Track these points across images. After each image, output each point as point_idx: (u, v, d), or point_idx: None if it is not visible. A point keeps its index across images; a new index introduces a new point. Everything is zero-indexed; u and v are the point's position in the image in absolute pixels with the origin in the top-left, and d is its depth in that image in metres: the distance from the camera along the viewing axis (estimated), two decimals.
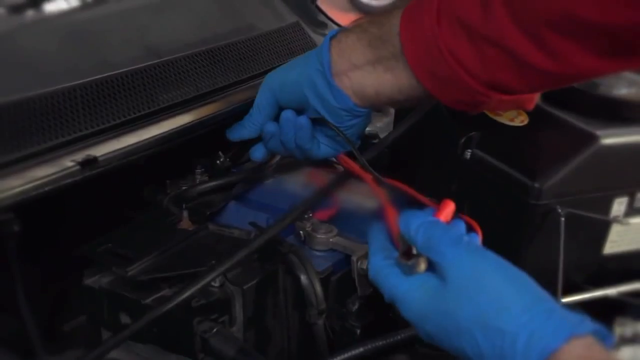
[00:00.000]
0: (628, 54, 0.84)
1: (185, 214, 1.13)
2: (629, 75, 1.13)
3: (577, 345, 0.70)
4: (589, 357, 0.70)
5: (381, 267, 0.86)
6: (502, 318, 0.73)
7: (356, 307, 1.08)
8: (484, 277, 0.77)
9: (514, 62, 0.89)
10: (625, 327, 1.02)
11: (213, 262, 1.00)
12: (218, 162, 1.22)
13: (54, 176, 0.97)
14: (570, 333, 0.70)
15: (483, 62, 0.90)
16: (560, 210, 0.96)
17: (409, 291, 0.82)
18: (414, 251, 0.82)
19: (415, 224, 0.83)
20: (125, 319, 1.00)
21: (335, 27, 1.71)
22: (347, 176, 1.13)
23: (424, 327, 0.80)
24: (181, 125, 1.14)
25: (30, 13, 1.25)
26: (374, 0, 7.01)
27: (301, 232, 1.10)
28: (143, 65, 1.18)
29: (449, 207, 0.86)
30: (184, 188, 1.17)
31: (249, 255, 1.00)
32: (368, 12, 6.98)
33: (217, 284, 0.99)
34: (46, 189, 0.95)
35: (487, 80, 0.92)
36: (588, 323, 0.71)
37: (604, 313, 1.10)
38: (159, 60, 1.20)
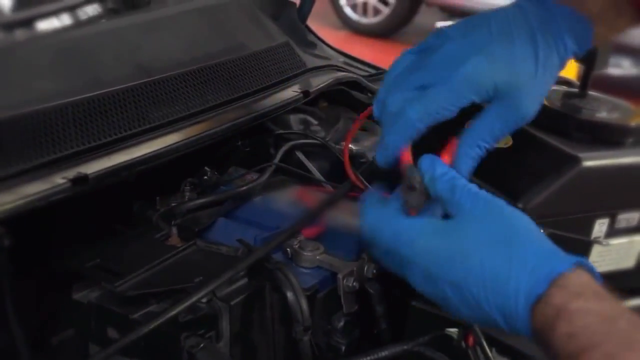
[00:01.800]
0: None
1: (174, 230, 1.15)
2: (611, 99, 1.15)
3: (581, 273, 0.75)
4: (593, 285, 0.75)
5: (381, 213, 0.88)
6: (512, 244, 0.77)
7: (341, 324, 1.09)
8: (498, 213, 0.81)
9: None
10: None
11: (201, 278, 1.01)
12: (205, 177, 1.23)
13: (45, 192, 0.98)
14: (577, 262, 0.76)
15: None
16: (542, 231, 0.97)
17: (413, 225, 0.84)
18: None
19: (440, 171, 0.84)
20: (112, 333, 1.01)
21: (325, 46, 1.74)
22: (336, 196, 1.14)
23: (425, 261, 0.81)
24: (172, 144, 1.16)
25: (23, 31, 1.27)
26: (364, 18, 7.07)
27: (288, 249, 1.11)
28: (134, 83, 1.20)
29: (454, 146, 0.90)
30: (173, 205, 1.19)
31: (237, 274, 1.02)
32: (358, 29, 7.04)
33: (204, 300, 1.00)
34: (37, 204, 0.97)
35: None
36: (589, 262, 0.77)
37: None
38: (150, 79, 1.22)
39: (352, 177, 1.15)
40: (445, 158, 0.90)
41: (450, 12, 6.87)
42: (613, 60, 6.17)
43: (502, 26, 0.87)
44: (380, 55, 1.34)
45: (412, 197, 0.86)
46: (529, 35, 0.87)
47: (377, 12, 7.05)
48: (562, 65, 0.89)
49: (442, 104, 0.87)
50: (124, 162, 1.08)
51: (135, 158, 1.10)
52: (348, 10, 7.13)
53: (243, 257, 1.06)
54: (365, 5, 7.06)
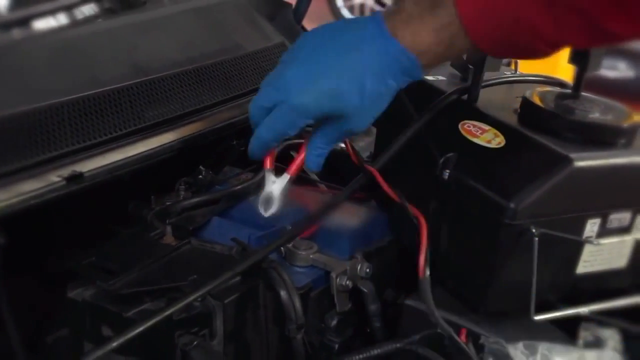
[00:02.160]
0: None
1: (168, 229, 1.15)
2: (604, 100, 1.16)
3: None
4: None
5: None
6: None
7: (335, 322, 1.10)
8: None
9: (592, 28, 0.91)
10: (588, 332, 1.05)
11: (195, 277, 1.02)
12: (200, 176, 1.24)
13: (39, 191, 0.98)
14: None
15: (558, 28, 0.91)
16: (534, 231, 0.98)
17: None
18: None
19: None
20: (107, 331, 1.02)
21: None
22: (335, 200, 1.15)
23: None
24: (167, 143, 1.16)
25: (19, 30, 1.27)
26: None
27: (282, 248, 1.12)
28: (130, 82, 1.20)
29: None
30: (168, 203, 1.19)
31: (234, 276, 1.03)
32: None
33: (198, 299, 1.00)
34: (32, 202, 0.97)
35: (553, 41, 0.95)
36: None
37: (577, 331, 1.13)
38: (146, 78, 1.22)
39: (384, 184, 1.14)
40: (301, 156, 1.05)
41: None
42: (609, 62, 6.21)
43: (335, 58, 0.98)
44: None
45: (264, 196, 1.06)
46: (360, 74, 0.97)
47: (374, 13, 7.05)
48: (392, 95, 1.00)
49: (281, 127, 1.00)
50: (119, 160, 1.08)
51: (130, 157, 1.10)
52: (345, 12, 7.13)
53: (239, 258, 1.06)
54: (362, 6, 7.07)
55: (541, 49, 0.95)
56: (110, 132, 1.12)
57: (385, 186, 1.10)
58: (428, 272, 1.02)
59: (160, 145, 1.15)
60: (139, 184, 1.17)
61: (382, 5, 6.96)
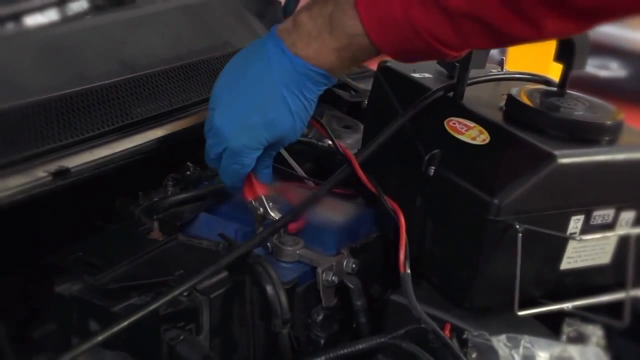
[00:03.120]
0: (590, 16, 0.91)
1: (156, 224, 1.16)
2: (589, 98, 1.17)
3: None
4: None
5: None
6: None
7: (321, 317, 1.11)
8: None
9: (492, 32, 0.93)
10: (572, 328, 1.05)
11: (181, 272, 1.03)
12: (188, 172, 1.25)
13: (26, 185, 0.99)
14: None
15: (459, 35, 0.94)
16: (518, 227, 0.99)
17: None
18: None
19: None
20: (94, 326, 1.02)
21: None
22: (321, 193, 1.16)
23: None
24: (154, 139, 1.17)
25: (8, 26, 1.28)
26: None
27: (268, 243, 1.13)
28: (118, 79, 1.21)
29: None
30: (155, 199, 1.20)
31: (218, 270, 1.03)
32: None
33: (185, 293, 1.01)
34: (19, 197, 0.98)
35: (458, 46, 0.98)
36: None
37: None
38: (133, 75, 1.23)
39: (363, 176, 1.16)
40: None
41: None
42: (601, 62, 6.23)
43: (253, 92, 1.04)
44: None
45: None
46: (280, 98, 1.03)
47: None
48: (315, 100, 1.06)
49: (234, 169, 1.08)
50: (106, 156, 1.09)
51: (117, 152, 1.11)
52: None
53: (225, 253, 1.07)
54: None
55: (449, 54, 0.98)
56: (97, 128, 1.13)
57: (363, 177, 1.12)
58: (409, 268, 1.03)
59: (148, 142, 1.16)
60: (127, 180, 1.18)
61: None
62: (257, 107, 1.04)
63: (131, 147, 1.13)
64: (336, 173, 1.15)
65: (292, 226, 1.14)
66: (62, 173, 1.02)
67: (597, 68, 5.99)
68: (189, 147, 1.25)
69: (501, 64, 1.32)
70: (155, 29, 1.37)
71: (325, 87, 1.05)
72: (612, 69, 6.11)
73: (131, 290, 1.03)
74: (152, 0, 1.46)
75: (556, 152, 1.00)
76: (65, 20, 1.34)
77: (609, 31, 5.86)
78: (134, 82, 1.22)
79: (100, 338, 0.93)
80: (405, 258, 1.04)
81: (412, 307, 1.01)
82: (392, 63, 1.26)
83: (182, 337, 0.99)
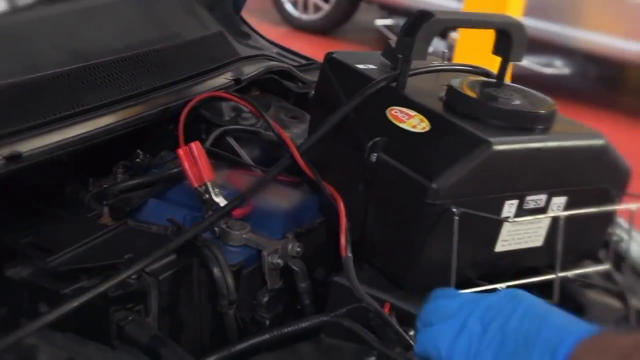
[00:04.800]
0: None
1: (105, 210, 1.18)
2: (525, 89, 1.21)
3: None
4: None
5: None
6: None
7: (266, 299, 1.15)
8: None
9: None
10: None
11: (130, 255, 1.05)
12: (138, 160, 1.27)
13: None
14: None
15: None
16: (454, 210, 1.03)
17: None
18: None
19: None
20: (44, 309, 1.04)
21: (259, 37, 1.78)
22: (265, 180, 1.19)
23: None
24: (104, 126, 1.20)
25: None
26: (304, 15, 7.12)
27: (216, 228, 1.16)
28: (69, 67, 1.23)
29: None
30: (105, 186, 1.22)
31: (167, 253, 1.06)
32: (299, 26, 7.09)
33: (134, 276, 1.04)
34: None
35: None
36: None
37: None
38: (85, 64, 1.25)
39: (302, 163, 1.20)
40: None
41: (390, 10, 6.95)
42: (546, 59, 6.34)
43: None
44: (320, 51, 1.39)
45: None
46: None
47: (317, 8, 7.09)
48: None
49: None
50: (58, 141, 1.12)
51: (68, 138, 1.13)
52: (289, 7, 7.16)
53: (174, 237, 1.10)
54: (305, 1, 7.10)
55: None
56: (49, 114, 1.16)
57: (302, 164, 1.16)
58: (350, 251, 1.08)
59: (98, 128, 1.18)
60: (77, 166, 1.20)
61: (326, 0, 7.00)
62: None
63: (82, 133, 1.15)
64: (280, 161, 1.19)
65: (239, 211, 1.18)
66: (15, 157, 1.04)
67: (543, 65, 6.11)
68: (139, 135, 1.28)
69: (443, 56, 1.36)
70: (107, 20, 1.39)
71: None
72: (557, 66, 6.23)
73: (81, 273, 1.05)
74: None
75: (491, 139, 1.05)
76: (17, 10, 1.36)
77: (554, 29, 5.97)
78: (86, 71, 1.24)
79: (49, 318, 0.96)
80: (347, 242, 1.08)
81: (354, 289, 1.05)
82: (338, 54, 1.30)
83: (130, 318, 1.02)
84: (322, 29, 7.07)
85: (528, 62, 6.09)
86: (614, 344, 0.77)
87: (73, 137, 1.14)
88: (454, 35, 5.60)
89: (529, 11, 5.27)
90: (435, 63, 1.32)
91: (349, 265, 1.07)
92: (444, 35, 5.90)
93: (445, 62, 1.34)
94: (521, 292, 0.87)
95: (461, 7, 5.35)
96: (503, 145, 1.06)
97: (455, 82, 1.18)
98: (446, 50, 1.39)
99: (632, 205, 1.17)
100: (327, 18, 7.08)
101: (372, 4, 7.09)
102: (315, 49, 1.54)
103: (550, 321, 0.82)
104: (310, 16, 7.13)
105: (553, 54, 6.26)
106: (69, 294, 1.02)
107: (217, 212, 1.15)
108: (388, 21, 6.76)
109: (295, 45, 1.96)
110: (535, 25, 5.90)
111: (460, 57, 5.13)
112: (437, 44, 5.47)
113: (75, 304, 0.97)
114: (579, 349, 0.78)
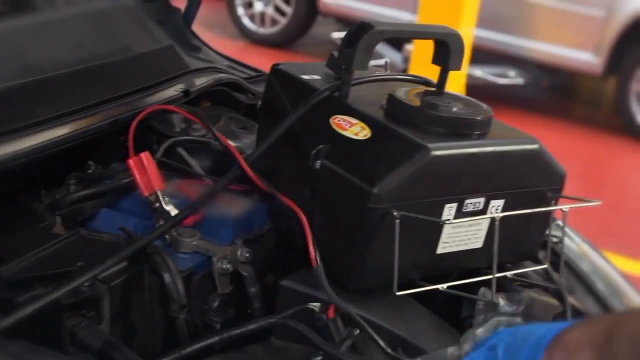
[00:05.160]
0: None
1: (58, 220, 1.21)
2: (464, 97, 1.26)
3: None
4: None
5: None
6: None
7: (216, 303, 1.18)
8: None
9: None
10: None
11: (83, 263, 1.08)
12: (89, 170, 1.30)
13: None
14: None
15: None
16: (395, 214, 1.08)
17: None
18: None
19: None
20: None
21: (209, 50, 1.82)
22: (215, 190, 1.23)
23: None
24: (55, 137, 1.23)
25: None
26: (261, 29, 7.17)
27: (167, 236, 1.19)
28: (20, 82, 1.26)
29: None
30: (57, 197, 1.25)
31: (120, 261, 1.09)
32: (256, 39, 7.14)
33: (87, 284, 1.06)
34: None
35: None
36: None
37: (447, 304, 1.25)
38: (36, 78, 1.28)
39: (251, 174, 1.23)
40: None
41: (346, 23, 7.03)
42: (500, 70, 6.44)
43: None
44: None
45: None
46: None
47: (274, 22, 7.15)
48: None
49: None
50: (10, 153, 1.14)
51: (21, 150, 1.16)
52: (246, 21, 7.22)
53: (126, 245, 1.13)
54: (262, 15, 7.16)
55: None
56: (1, 127, 1.18)
57: (253, 177, 1.21)
58: (320, 261, 1.11)
59: (50, 140, 1.21)
60: (30, 177, 1.23)
61: (283, 14, 7.05)
62: None
63: (34, 145, 1.18)
64: (229, 172, 1.23)
65: (189, 219, 1.21)
66: None
67: (497, 76, 6.22)
68: (90, 146, 1.31)
69: (385, 66, 1.41)
70: (57, 34, 1.42)
71: None
72: (511, 77, 6.34)
73: (34, 281, 1.08)
74: (53, 7, 1.51)
75: (430, 145, 1.10)
76: None
77: (506, 40, 6.08)
78: (36, 85, 1.27)
79: (3, 325, 0.98)
80: (316, 253, 1.12)
81: (329, 296, 1.09)
82: (284, 65, 1.34)
83: (83, 324, 1.04)
84: (279, 42, 7.14)
85: (483, 73, 6.20)
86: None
87: (25, 148, 1.17)
88: (408, 47, 5.69)
89: (482, 23, 5.37)
90: (377, 73, 1.36)
91: (321, 275, 1.11)
92: (400, 47, 6.00)
93: (387, 72, 1.39)
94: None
95: (416, 20, 5.44)
96: (441, 150, 1.11)
97: (396, 90, 1.22)
98: (387, 60, 1.43)
99: (564, 207, 1.22)
100: (284, 32, 7.14)
101: (328, 17, 7.17)
102: (272, 62, 1.59)
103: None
104: (267, 30, 7.19)
105: (507, 64, 6.38)
106: (22, 302, 1.04)
107: (169, 221, 1.18)
108: (344, 34, 6.83)
109: (253, 58, 2.00)
110: (488, 36, 6.02)
111: (416, 69, 5.23)
112: (394, 56, 5.56)
113: (28, 311, 0.99)
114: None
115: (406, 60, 5.68)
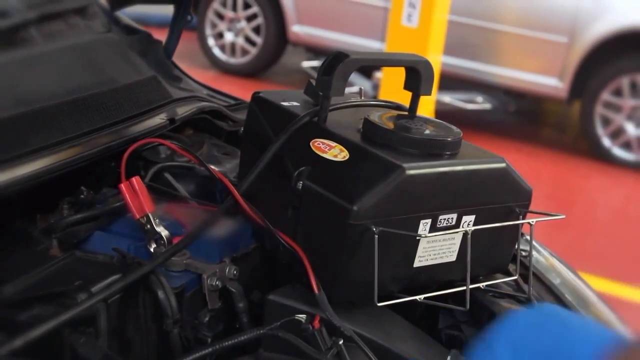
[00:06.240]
0: None
1: (54, 242, 1.27)
2: (435, 120, 1.34)
3: None
4: None
5: None
6: None
7: (207, 318, 1.25)
8: None
9: None
10: None
11: (80, 282, 1.15)
12: (82, 195, 1.36)
13: None
14: None
15: None
16: (374, 229, 1.15)
17: None
18: None
19: None
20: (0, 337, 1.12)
21: (190, 80, 1.89)
22: (212, 220, 1.30)
23: None
24: (49, 165, 1.29)
25: None
26: (232, 59, 7.26)
27: None
28: (15, 113, 1.32)
29: None
30: (52, 221, 1.31)
31: (125, 286, 1.16)
32: (227, 69, 7.22)
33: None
34: None
35: None
36: None
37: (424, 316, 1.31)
38: (29, 109, 1.34)
39: (246, 208, 1.30)
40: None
41: (316, 52, 7.14)
42: (468, 96, 6.56)
43: None
44: (248, 93, 1.49)
45: None
46: None
47: (245, 52, 7.25)
48: None
49: None
50: (6, 180, 1.20)
51: (15, 177, 1.22)
52: (217, 51, 7.31)
53: (133, 270, 1.18)
54: (233, 46, 7.26)
55: None
56: None
57: (249, 212, 1.28)
58: (321, 290, 1.19)
59: (44, 167, 1.27)
60: (25, 203, 1.29)
61: (253, 44, 7.15)
62: None
63: (29, 172, 1.24)
64: (224, 203, 1.31)
65: (175, 239, 1.28)
66: None
67: (465, 102, 6.34)
68: (82, 172, 1.37)
69: (360, 92, 1.49)
70: (46, 68, 1.48)
71: None
72: (479, 102, 6.48)
73: (34, 301, 1.14)
74: (42, 41, 1.57)
75: (404, 165, 1.17)
76: None
77: (474, 67, 6.21)
78: (29, 116, 1.33)
79: (16, 345, 1.03)
80: (317, 283, 1.19)
81: (331, 318, 1.16)
82: (264, 93, 1.42)
83: (82, 340, 1.11)
84: (250, 71, 7.23)
85: (451, 99, 6.33)
86: None
87: (21, 175, 1.23)
88: (378, 75, 5.80)
89: (449, 50, 5.49)
90: (353, 99, 1.44)
91: (324, 301, 1.18)
92: (369, 75, 6.11)
93: (362, 98, 1.47)
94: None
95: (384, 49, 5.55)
96: (415, 170, 1.18)
97: (371, 115, 1.30)
98: (362, 87, 1.51)
99: (531, 220, 1.30)
100: (254, 61, 7.23)
101: (298, 46, 7.27)
102: (244, 91, 1.65)
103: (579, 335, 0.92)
104: (238, 60, 7.28)
105: (474, 90, 6.51)
106: (25, 321, 1.10)
107: (171, 248, 1.24)
108: (314, 63, 6.94)
109: (224, 88, 2.06)
110: (455, 63, 6.15)
111: (385, 95, 5.34)
112: (364, 84, 5.67)
113: (40, 331, 1.04)
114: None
115: (376, 87, 5.80)
